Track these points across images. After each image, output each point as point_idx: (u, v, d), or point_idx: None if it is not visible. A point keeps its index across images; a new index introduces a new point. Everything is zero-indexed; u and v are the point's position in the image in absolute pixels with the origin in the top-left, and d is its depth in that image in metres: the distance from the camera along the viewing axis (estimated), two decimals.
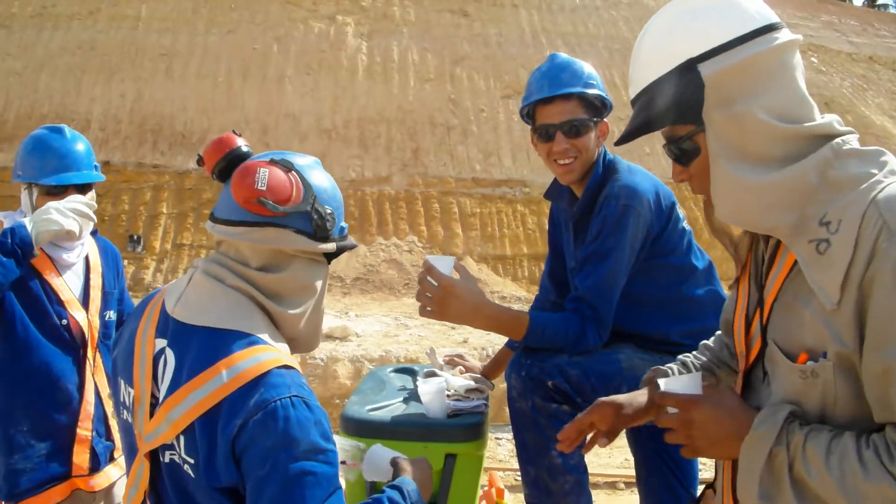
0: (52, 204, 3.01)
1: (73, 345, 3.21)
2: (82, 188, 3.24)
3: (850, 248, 1.36)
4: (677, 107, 1.55)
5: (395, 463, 2.20)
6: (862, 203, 1.39)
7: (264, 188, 1.83)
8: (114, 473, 3.38)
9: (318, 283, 2.02)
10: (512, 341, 3.22)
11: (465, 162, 20.76)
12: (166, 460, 1.80)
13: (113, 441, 3.39)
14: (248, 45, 22.18)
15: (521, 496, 4.75)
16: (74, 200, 3.09)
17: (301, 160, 1.99)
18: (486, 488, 4.25)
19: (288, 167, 1.91)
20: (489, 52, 23.56)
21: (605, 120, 3.00)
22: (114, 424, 3.39)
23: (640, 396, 2.08)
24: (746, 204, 1.51)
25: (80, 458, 3.20)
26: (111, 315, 3.47)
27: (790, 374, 1.50)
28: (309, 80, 21.71)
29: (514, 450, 8.17)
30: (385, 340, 11.67)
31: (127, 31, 22.23)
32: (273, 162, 1.91)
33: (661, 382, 1.67)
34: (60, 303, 3.19)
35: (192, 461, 1.73)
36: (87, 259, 3.40)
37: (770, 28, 1.52)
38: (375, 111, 21.37)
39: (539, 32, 24.64)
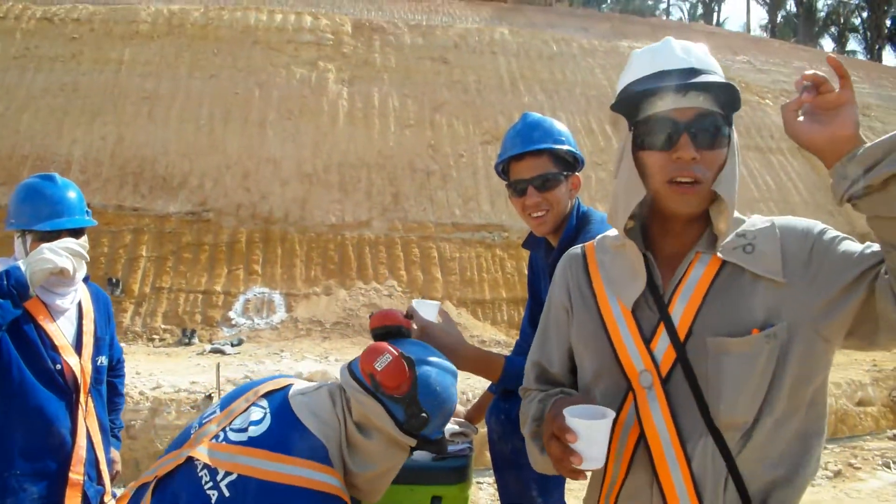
0: (45, 245, 3.09)
1: (66, 389, 3.26)
2: (75, 233, 3.31)
3: (775, 243, 1.82)
4: (736, 100, 1.84)
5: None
6: (761, 224, 1.89)
7: (380, 369, 2.26)
8: None
9: (391, 464, 2.42)
10: (493, 386, 3.32)
11: (444, 207, 20.90)
12: (198, 470, 2.20)
13: (104, 485, 3.44)
14: (230, 90, 22.33)
15: None
16: (66, 241, 3.17)
17: (434, 360, 2.42)
18: None
19: (411, 364, 2.29)
20: (468, 98, 23.85)
21: (576, 174, 3.13)
22: (104, 469, 3.44)
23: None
24: (733, 200, 1.82)
25: (72, 501, 3.23)
26: (102, 360, 3.52)
27: (750, 348, 1.76)
28: (290, 125, 21.85)
29: (495, 493, 8.18)
30: None
31: (110, 73, 22.33)
32: (402, 355, 2.30)
33: (567, 413, 1.75)
34: (54, 348, 3.24)
35: (220, 494, 2.13)
36: (79, 305, 3.46)
37: None
38: (356, 156, 21.52)
39: (517, 79, 24.98)
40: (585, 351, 2.03)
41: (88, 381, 3.36)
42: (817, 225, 1.83)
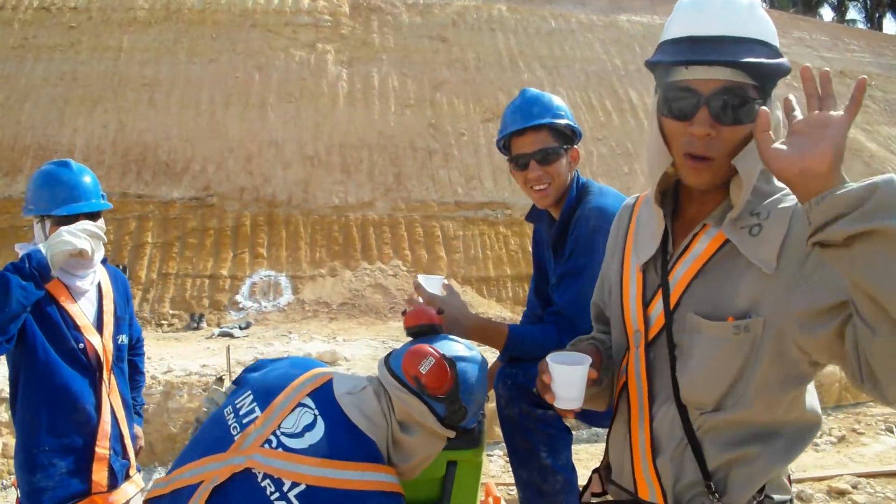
0: (63, 228, 3.18)
1: (89, 367, 3.36)
2: (91, 216, 3.40)
3: (783, 230, 1.69)
4: (776, 72, 1.72)
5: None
6: (789, 202, 1.73)
7: (424, 372, 2.33)
8: (130, 490, 3.53)
9: (430, 453, 2.53)
10: (501, 355, 3.41)
11: (446, 186, 20.94)
12: (259, 479, 2.17)
13: (129, 459, 3.54)
14: (229, 74, 22.31)
15: None
16: (83, 223, 3.26)
17: (468, 355, 2.50)
18: (482, 499, 4.38)
19: (451, 365, 2.38)
20: (468, 76, 23.81)
21: (575, 147, 3.22)
22: (128, 444, 3.55)
23: None
24: (753, 175, 1.73)
25: (100, 475, 3.34)
26: (123, 339, 3.62)
27: (720, 333, 1.74)
28: (291, 107, 21.85)
29: (505, 466, 8.28)
30: (374, 364, 11.72)
31: (109, 61, 22.30)
32: (443, 356, 2.38)
33: (549, 358, 1.90)
34: (77, 328, 3.34)
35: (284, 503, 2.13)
36: (99, 286, 3.55)
37: None
38: (357, 137, 21.54)
39: (517, 56, 24.92)
40: (608, 299, 2.16)
41: (110, 358, 3.46)
42: None
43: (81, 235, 3.19)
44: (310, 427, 2.28)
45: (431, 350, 2.39)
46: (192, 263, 18.40)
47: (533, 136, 3.11)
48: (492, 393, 3.39)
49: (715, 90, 1.68)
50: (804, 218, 1.55)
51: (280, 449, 2.22)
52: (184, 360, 11.90)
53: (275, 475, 2.16)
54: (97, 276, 3.55)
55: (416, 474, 2.57)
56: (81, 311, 3.40)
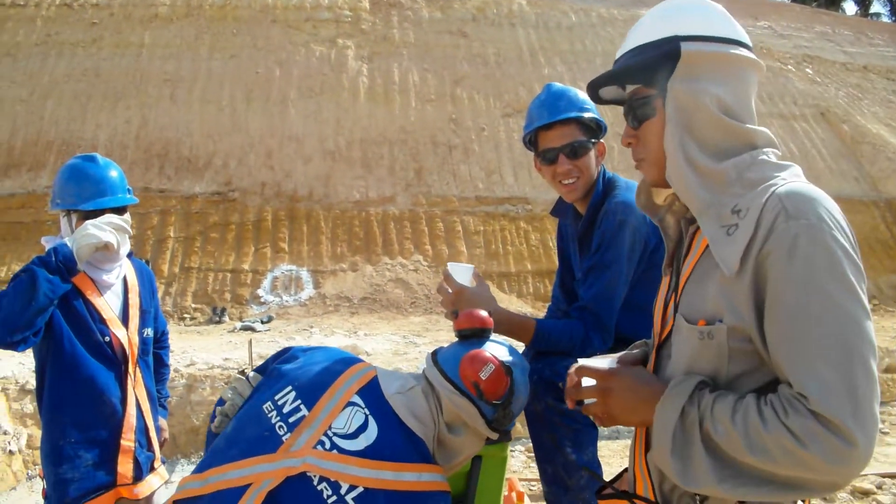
0: (89, 221, 3.20)
1: (115, 360, 3.37)
2: (117, 211, 3.41)
3: (751, 228, 1.60)
4: (651, 68, 1.81)
5: None
6: (764, 194, 1.63)
7: (485, 378, 2.34)
8: (155, 482, 3.55)
9: (471, 452, 2.54)
10: (527, 349, 3.40)
11: (467, 181, 20.93)
12: (316, 483, 2.14)
13: (153, 451, 3.56)
14: (250, 70, 22.42)
15: None
16: (109, 217, 3.28)
17: (518, 362, 2.50)
18: (506, 494, 4.38)
19: (508, 373, 2.39)
20: (488, 71, 23.79)
21: (601, 141, 3.21)
22: (153, 436, 3.57)
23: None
24: (679, 170, 1.76)
25: (125, 467, 3.36)
26: (148, 332, 3.63)
27: (690, 337, 1.73)
28: (311, 102, 21.91)
29: (526, 461, 8.27)
30: (395, 358, 11.78)
31: (131, 57, 22.47)
32: (502, 363, 2.39)
33: (581, 359, 1.92)
34: (102, 321, 3.35)
35: None
36: (125, 280, 3.57)
37: (747, 46, 1.83)
38: (378, 132, 21.57)
39: (537, 51, 24.88)
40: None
41: (136, 352, 3.47)
42: (806, 231, 1.54)
43: (107, 229, 3.20)
44: (363, 428, 2.26)
45: (491, 357, 2.39)
46: (213, 258, 18.49)
47: (561, 130, 3.10)
48: None
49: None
50: (768, 218, 1.58)
51: (335, 451, 2.19)
52: (206, 354, 11.95)
53: (332, 478, 2.13)
54: (123, 270, 3.56)
55: (452, 473, 2.56)
56: (107, 305, 3.41)
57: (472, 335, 2.55)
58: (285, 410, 2.33)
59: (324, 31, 23.92)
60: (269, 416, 2.32)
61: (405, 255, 19.07)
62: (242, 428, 2.36)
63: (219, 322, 16.87)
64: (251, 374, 2.70)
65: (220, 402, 2.66)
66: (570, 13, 26.90)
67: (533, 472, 7.66)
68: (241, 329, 15.66)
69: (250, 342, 11.40)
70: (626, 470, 2.22)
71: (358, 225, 19.54)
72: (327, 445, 2.20)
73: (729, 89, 1.77)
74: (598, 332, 3.00)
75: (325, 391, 2.35)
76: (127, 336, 3.43)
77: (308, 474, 2.14)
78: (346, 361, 2.53)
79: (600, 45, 25.70)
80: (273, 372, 2.56)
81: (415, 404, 2.37)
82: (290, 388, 2.40)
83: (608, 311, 3.02)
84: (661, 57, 1.78)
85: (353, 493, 2.10)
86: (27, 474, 8.80)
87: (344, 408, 2.30)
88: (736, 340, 1.65)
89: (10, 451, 8.76)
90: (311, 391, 2.36)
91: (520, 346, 3.09)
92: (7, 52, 22.40)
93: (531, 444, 8.50)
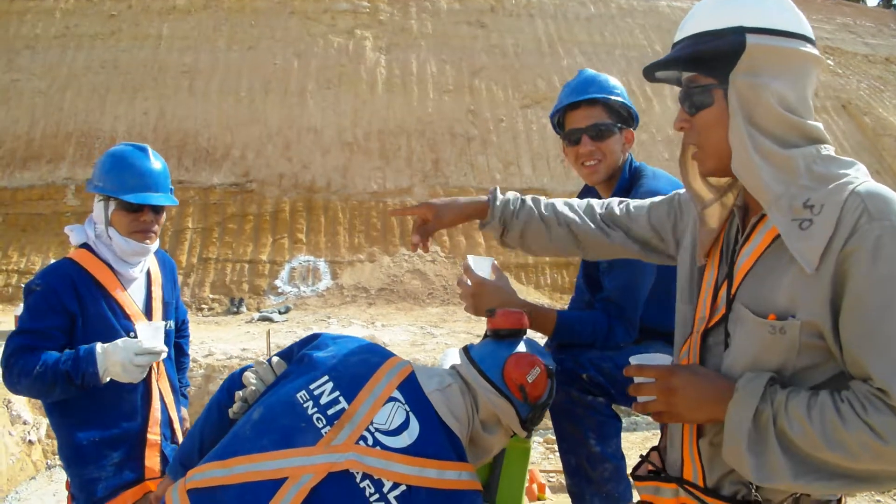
0: (119, 359, 3.01)
1: None
2: (156, 210, 3.32)
3: (831, 226, 1.59)
4: (713, 58, 1.76)
5: None
6: (842, 192, 1.62)
7: (531, 381, 2.30)
8: None
9: (498, 449, 2.52)
10: (549, 341, 3.36)
11: (485, 172, 20.89)
12: (358, 480, 2.07)
13: (177, 443, 3.51)
14: (268, 61, 22.44)
15: (557, 497, 4.88)
16: (145, 349, 3.06)
17: (552, 365, 2.43)
18: (526, 485, 4.36)
19: (551, 376, 2.37)
20: (507, 62, 23.73)
21: (630, 129, 3.16)
22: (177, 428, 3.51)
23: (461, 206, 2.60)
24: (750, 161, 1.72)
25: (152, 461, 3.29)
26: (170, 324, 3.52)
27: (758, 330, 1.70)
28: (329, 94, 21.93)
29: (545, 452, 8.23)
30: (413, 349, 11.79)
31: (149, 49, 22.56)
32: (546, 367, 2.36)
33: (633, 358, 1.88)
34: (126, 316, 3.23)
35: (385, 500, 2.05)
36: (148, 272, 3.50)
37: (811, 41, 1.79)
38: (395, 123, 21.57)
39: (556, 42, 24.79)
40: (679, 280, 2.12)
41: (137, 327, 3.39)
42: (890, 232, 1.55)
43: (135, 371, 3.08)
44: (405, 425, 2.20)
45: (538, 360, 2.35)
46: (231, 248, 18.55)
47: (586, 112, 3.08)
48: None
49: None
50: (849, 217, 1.58)
51: (378, 447, 2.13)
52: (224, 344, 11.99)
53: (375, 475, 2.07)
54: (147, 263, 3.49)
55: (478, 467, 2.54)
56: (131, 299, 3.32)
57: (510, 335, 2.48)
58: (323, 402, 2.23)
59: (342, 22, 23.91)
60: (305, 406, 2.22)
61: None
62: (274, 416, 2.23)
63: (237, 313, 16.94)
64: (275, 359, 2.60)
65: (231, 382, 2.56)
66: (589, 4, 26.80)
67: (551, 463, 7.63)
68: (258, 319, 15.71)
69: (268, 332, 11.43)
70: (654, 449, 2.19)
71: (375, 216, 19.55)
72: (370, 441, 2.13)
73: (790, 85, 1.74)
74: (621, 324, 2.95)
75: (365, 384, 2.28)
76: None
77: (351, 471, 2.07)
78: (382, 354, 2.45)
79: (619, 37, 25.60)
80: (304, 358, 2.44)
81: (453, 403, 2.32)
82: (326, 377, 2.30)
83: (632, 303, 2.98)
84: (726, 48, 1.74)
85: (396, 492, 2.05)
86: (46, 464, 8.86)
87: (385, 403, 2.24)
88: (807, 336, 1.64)
89: (30, 441, 8.81)
90: (351, 383, 2.27)
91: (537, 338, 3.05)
92: (26, 45, 22.53)
93: (549, 436, 8.50)
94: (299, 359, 2.44)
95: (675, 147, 21.89)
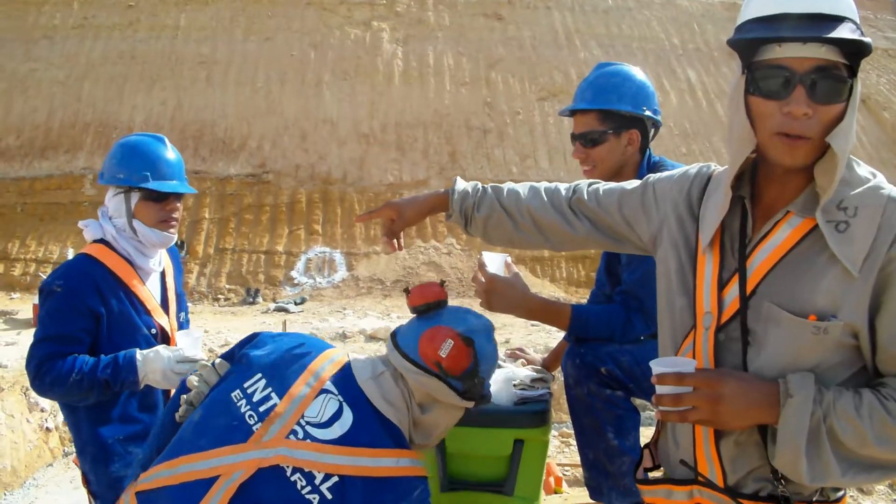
0: (160, 367, 2.99)
1: None
2: (177, 198, 3.24)
3: (872, 231, 1.63)
4: (860, 50, 1.66)
5: None
6: (878, 197, 1.66)
7: (445, 356, 2.24)
8: None
9: (449, 423, 2.44)
10: (567, 335, 3.35)
11: (501, 164, 20.87)
12: (289, 474, 2.07)
13: None
14: (285, 52, 22.47)
15: (573, 490, 4.88)
16: (186, 357, 3.06)
17: (478, 326, 2.39)
18: (544, 479, 4.35)
19: (469, 343, 2.29)
20: (524, 54, 23.66)
21: (632, 130, 3.13)
22: None
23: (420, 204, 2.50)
24: (845, 157, 1.68)
25: None
26: (183, 315, 3.49)
27: (798, 330, 1.68)
28: (346, 85, 21.93)
29: (560, 446, 8.22)
30: None
31: (166, 40, 22.62)
32: (460, 335, 2.28)
33: (654, 364, 1.80)
34: (147, 311, 3.19)
35: (322, 498, 2.04)
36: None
37: None
38: (412, 115, 21.56)
39: (573, 34, 24.69)
40: (667, 273, 2.05)
41: (175, 337, 3.36)
42: None
43: (174, 378, 3.07)
44: (337, 416, 2.19)
45: (448, 331, 2.30)
46: (248, 239, 18.61)
47: (581, 119, 3.13)
48: (558, 372, 3.34)
49: (810, 69, 1.63)
50: (892, 222, 1.63)
51: (308, 440, 2.13)
52: (240, 334, 11.99)
53: (305, 468, 2.07)
54: (162, 254, 3.45)
55: (436, 443, 2.53)
56: (150, 294, 3.25)
57: (428, 310, 2.45)
58: (255, 399, 2.25)
59: (358, 13, 23.89)
60: (239, 404, 2.24)
61: (439, 238, 19.08)
62: (211, 417, 2.26)
63: (252, 303, 17.00)
64: (217, 361, 2.57)
65: (182, 388, 2.52)
66: None
67: (567, 456, 7.63)
68: (274, 310, 15.77)
69: (284, 323, 11.47)
70: (645, 447, 2.19)
71: None
72: (300, 435, 2.14)
73: None
74: (640, 316, 2.96)
75: (297, 379, 2.28)
76: (168, 323, 3.31)
77: (281, 465, 2.08)
78: (318, 347, 2.44)
79: (637, 29, 25.48)
80: (241, 358, 2.44)
81: (387, 390, 2.30)
82: (259, 375, 2.32)
83: (651, 296, 2.97)
84: (865, 41, 1.64)
85: (329, 483, 2.06)
86: (63, 451, 8.91)
87: (317, 395, 2.23)
88: (845, 335, 1.66)
89: (47, 429, 8.87)
90: (282, 379, 2.28)
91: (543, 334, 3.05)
92: (45, 35, 22.62)
93: (564, 430, 8.49)
94: (238, 359, 2.44)
95: (692, 141, 21.84)
